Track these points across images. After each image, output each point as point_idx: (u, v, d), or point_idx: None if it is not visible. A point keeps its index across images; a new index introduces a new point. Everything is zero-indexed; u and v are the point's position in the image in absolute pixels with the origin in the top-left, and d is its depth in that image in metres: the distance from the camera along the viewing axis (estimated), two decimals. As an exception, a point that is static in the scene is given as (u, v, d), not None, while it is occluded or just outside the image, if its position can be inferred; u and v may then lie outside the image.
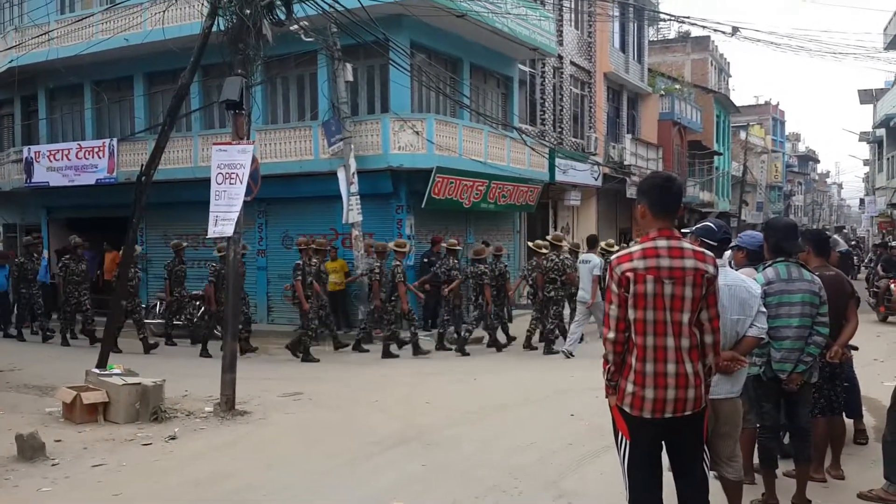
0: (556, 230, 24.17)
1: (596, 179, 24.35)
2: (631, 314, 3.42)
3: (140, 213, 9.55)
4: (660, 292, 3.37)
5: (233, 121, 8.28)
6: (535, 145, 19.29)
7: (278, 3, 8.35)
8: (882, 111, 36.41)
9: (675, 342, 3.39)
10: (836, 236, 10.68)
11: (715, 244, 4.26)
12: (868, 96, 40.73)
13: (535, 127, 22.17)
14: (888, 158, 37.47)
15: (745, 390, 4.45)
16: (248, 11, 7.81)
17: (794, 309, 4.64)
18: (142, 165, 9.57)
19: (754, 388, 4.76)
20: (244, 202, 8.30)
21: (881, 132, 38.46)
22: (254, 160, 8.72)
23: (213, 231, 8.31)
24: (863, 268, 25.74)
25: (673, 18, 34.01)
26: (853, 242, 39.58)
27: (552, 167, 20.60)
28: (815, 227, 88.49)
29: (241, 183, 8.15)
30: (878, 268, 17.40)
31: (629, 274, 3.40)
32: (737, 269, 5.24)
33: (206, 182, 8.51)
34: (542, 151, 19.77)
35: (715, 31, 35.52)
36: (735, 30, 13.32)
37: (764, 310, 4.25)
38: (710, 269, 3.45)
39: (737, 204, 45.42)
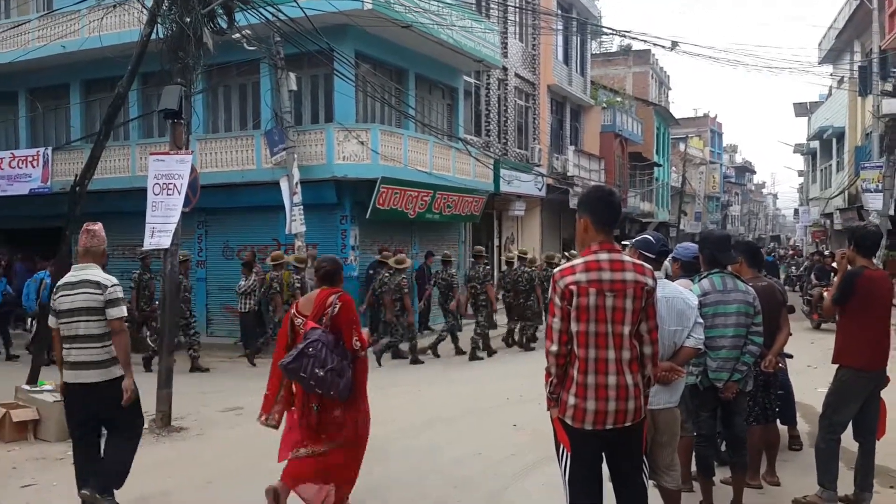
0: (500, 240, 24.40)
1: (540, 190, 24.60)
2: (573, 327, 3.44)
3: (75, 224, 9.26)
4: (602, 305, 3.41)
5: (171, 130, 8.11)
6: (480, 156, 19.40)
7: (219, 11, 8.21)
8: (816, 124, 37.64)
9: (616, 354, 3.43)
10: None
11: (653, 256, 4.34)
12: (803, 109, 42.08)
13: (481, 138, 22.32)
14: (821, 170, 38.71)
15: (683, 399, 4.53)
16: (188, 20, 7.67)
17: (729, 319, 4.75)
18: (76, 175, 9.31)
19: (691, 397, 4.84)
20: (182, 213, 8.15)
21: (815, 144, 39.73)
22: (192, 170, 8.59)
23: (150, 243, 8.14)
24: (794, 276, 26.49)
25: (614, 33, 34.75)
26: (790, 252, 40.80)
27: (497, 178, 20.74)
28: (751, 236, 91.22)
29: (179, 194, 7.99)
30: (812, 276, 17.94)
31: (572, 287, 3.43)
32: (674, 281, 5.38)
33: (144, 192, 8.32)
34: (486, 162, 19.90)
35: (655, 45, 36.16)
36: (674, 44, 13.64)
37: (701, 321, 4.33)
38: (650, 281, 3.50)
39: (676, 214, 46.43)
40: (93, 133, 14.61)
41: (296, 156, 14.50)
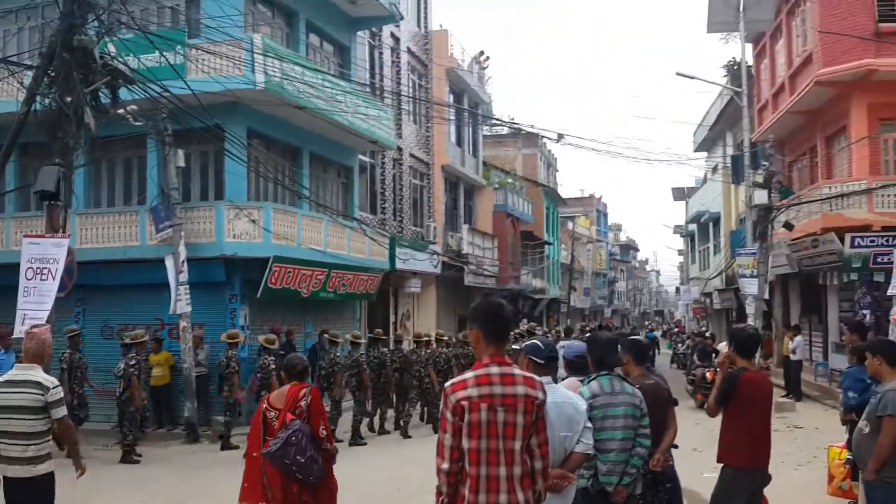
0: (396, 317, 24.27)
1: (435, 267, 24.77)
2: (465, 443, 3.36)
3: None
4: (493, 420, 3.36)
5: (47, 212, 7.68)
6: (375, 235, 19.38)
7: (103, 89, 7.95)
8: (693, 208, 39.87)
9: (507, 471, 3.36)
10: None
11: (542, 362, 4.35)
12: (681, 194, 44.59)
13: (376, 215, 22.36)
14: (700, 251, 40.84)
15: (574, 503, 4.49)
16: (68, 99, 7.36)
17: (617, 422, 4.78)
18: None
19: (582, 501, 4.80)
20: (57, 297, 7.69)
21: (693, 227, 41.99)
22: (69, 253, 8.14)
23: (20, 331, 7.59)
24: (680, 354, 27.45)
25: (504, 124, 35.96)
26: (675, 329, 42.44)
27: (392, 256, 20.74)
28: (636, 311, 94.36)
29: (54, 279, 7.56)
30: (695, 357, 18.62)
31: (464, 402, 3.37)
32: (563, 378, 5.41)
33: (17, 267, 7.80)
34: (382, 241, 19.89)
35: (542, 137, 37.77)
36: (560, 136, 14.27)
37: (590, 425, 4.34)
38: (540, 395, 3.48)
39: (566, 290, 47.69)
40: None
41: (183, 233, 14.05)
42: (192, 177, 15.91)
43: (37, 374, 5.26)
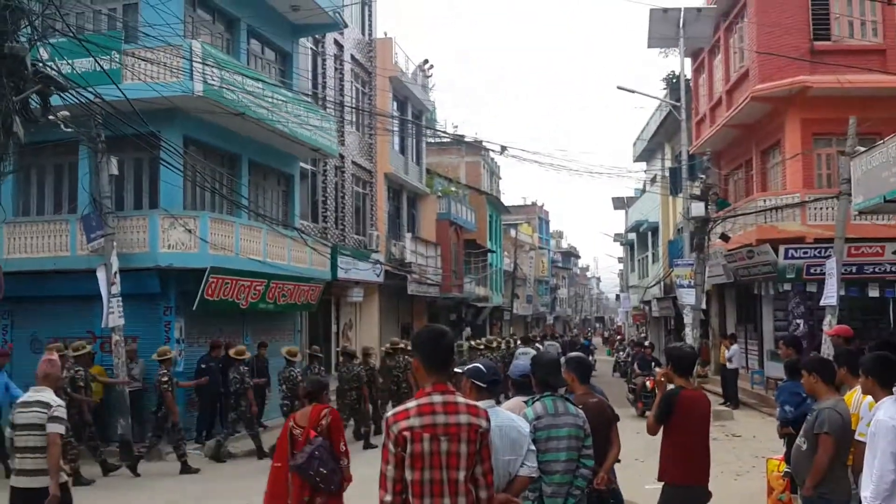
0: (338, 327, 24.00)
1: (378, 276, 24.59)
2: (408, 475, 3.27)
3: None
4: (436, 450, 3.28)
5: (-32, 224, 7.30)
6: (316, 244, 19.10)
7: (33, 98, 7.60)
8: (632, 218, 40.59)
9: (451, 501, 3.29)
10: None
11: (484, 385, 4.28)
12: (620, 203, 45.35)
13: (318, 224, 22.08)
14: (639, 260, 41.55)
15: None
16: (-7, 107, 7.03)
17: (561, 443, 4.73)
18: None
19: (528, 525, 4.74)
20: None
21: (632, 236, 42.72)
22: (-8, 266, 7.74)
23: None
24: (621, 362, 27.80)
25: (448, 136, 36.07)
26: (617, 336, 43.03)
27: (334, 265, 20.48)
28: (578, 317, 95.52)
29: (-25, 293, 7.16)
30: (635, 366, 18.86)
31: (406, 433, 3.28)
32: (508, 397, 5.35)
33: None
34: (323, 251, 19.62)
35: (486, 148, 38.06)
36: (504, 148, 14.32)
37: (534, 448, 4.28)
38: (484, 423, 3.41)
39: (509, 298, 47.96)
40: None
41: (115, 243, 13.57)
42: (125, 185, 15.41)
43: (45, 395, 5.92)
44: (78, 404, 11.50)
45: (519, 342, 23.57)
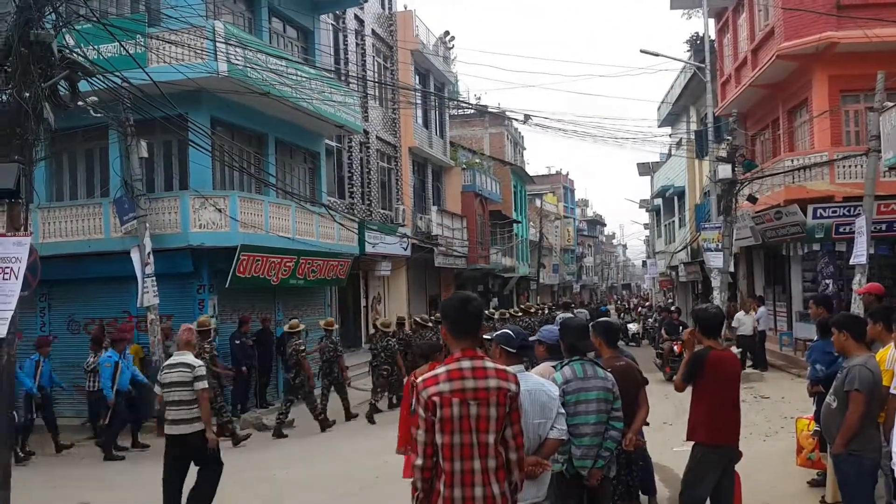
0: (367, 301, 24.26)
1: (405, 250, 24.76)
2: (438, 439, 3.38)
3: None
4: (465, 414, 3.37)
5: (7, 211, 7.51)
6: (343, 220, 19.28)
7: (62, 84, 7.76)
8: (658, 183, 40.17)
9: (482, 464, 3.38)
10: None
11: (514, 350, 4.38)
12: (646, 169, 44.87)
13: (345, 200, 22.25)
14: (665, 225, 41.22)
15: (551, 487, 4.55)
16: (27, 94, 7.18)
17: (590, 406, 4.83)
18: None
19: (558, 486, 4.86)
20: (21, 295, 7.53)
21: (658, 201, 42.33)
22: (32, 251, 7.95)
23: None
24: (649, 328, 27.74)
25: (471, 106, 35.83)
26: (645, 303, 42.83)
27: (362, 240, 20.68)
28: (604, 285, 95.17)
29: (17, 278, 7.36)
30: (662, 331, 18.87)
31: (435, 398, 3.38)
32: (538, 363, 5.46)
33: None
34: (350, 226, 19.80)
35: (509, 118, 37.83)
36: (527, 118, 14.26)
37: (563, 411, 4.38)
38: (513, 387, 3.50)
39: (535, 268, 47.96)
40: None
41: (147, 224, 13.85)
42: (155, 167, 15.69)
43: (186, 358, 7.13)
44: (307, 371, 13.29)
45: (557, 309, 24.43)
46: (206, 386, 7.08)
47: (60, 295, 15.70)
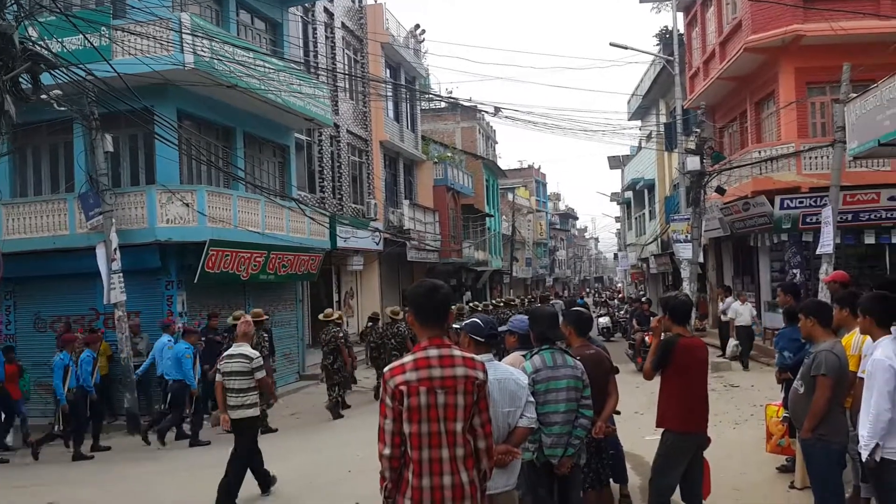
0: (340, 295, 24.14)
1: (377, 244, 24.67)
2: (406, 428, 3.35)
3: None
4: (433, 403, 3.34)
5: (-34, 205, 7.35)
6: (314, 214, 19.13)
7: (24, 77, 7.59)
8: (629, 176, 40.50)
9: (449, 452, 3.36)
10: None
11: (482, 339, 4.36)
12: (617, 162, 45.19)
13: (315, 194, 22.09)
14: (636, 218, 41.56)
15: (521, 475, 4.54)
16: (-16, 86, 7.02)
17: (560, 395, 4.84)
18: None
19: (528, 474, 4.86)
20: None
21: (629, 194, 42.64)
22: (-7, 247, 7.82)
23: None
24: (619, 320, 27.86)
25: (441, 98, 35.70)
26: (618, 295, 43.08)
27: (333, 234, 20.54)
28: (577, 278, 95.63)
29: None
30: (634, 322, 19.00)
31: (402, 387, 3.35)
32: (509, 353, 5.45)
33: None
34: (322, 220, 19.66)
35: (479, 110, 37.81)
36: (497, 110, 14.21)
37: (532, 400, 4.37)
38: (480, 375, 3.47)
39: (509, 261, 48.08)
40: None
41: (114, 220, 13.63)
42: (121, 161, 15.44)
43: (245, 349, 7.77)
44: (344, 357, 13.97)
45: (539, 301, 24.58)
46: (265, 374, 7.85)
47: (26, 292, 15.42)
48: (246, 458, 7.77)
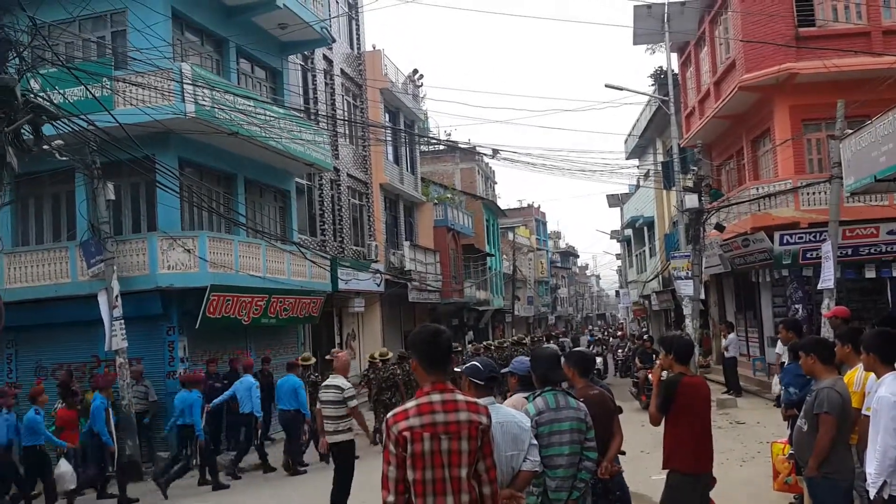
0: (341, 338, 24.07)
1: (378, 285, 24.67)
2: (410, 474, 3.33)
3: None
4: (437, 449, 3.33)
5: (-31, 256, 7.39)
6: (315, 257, 19.18)
7: (25, 128, 7.70)
8: (628, 213, 40.65)
9: (455, 499, 3.34)
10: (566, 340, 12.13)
11: (482, 382, 4.35)
12: (616, 200, 45.40)
13: (316, 237, 22.18)
14: (636, 255, 41.59)
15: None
16: (-12, 139, 7.12)
17: (564, 437, 4.80)
18: None
19: (534, 518, 4.81)
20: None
21: (629, 232, 42.75)
22: (-5, 297, 7.84)
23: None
24: (620, 360, 27.63)
25: (440, 141, 36.11)
26: (618, 333, 42.86)
27: (334, 277, 20.57)
28: (579, 315, 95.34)
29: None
30: (637, 360, 18.92)
31: (406, 433, 3.34)
32: (511, 395, 5.43)
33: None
34: (323, 263, 19.71)
35: (479, 153, 38.24)
36: (495, 152, 14.40)
37: (535, 442, 4.34)
38: (484, 419, 3.47)
39: (510, 300, 48.01)
40: None
41: (115, 267, 13.66)
42: (123, 209, 15.53)
43: (338, 381, 8.61)
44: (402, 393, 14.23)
45: (544, 339, 25.53)
46: (356, 403, 8.62)
47: (27, 341, 15.38)
48: (347, 475, 8.54)
